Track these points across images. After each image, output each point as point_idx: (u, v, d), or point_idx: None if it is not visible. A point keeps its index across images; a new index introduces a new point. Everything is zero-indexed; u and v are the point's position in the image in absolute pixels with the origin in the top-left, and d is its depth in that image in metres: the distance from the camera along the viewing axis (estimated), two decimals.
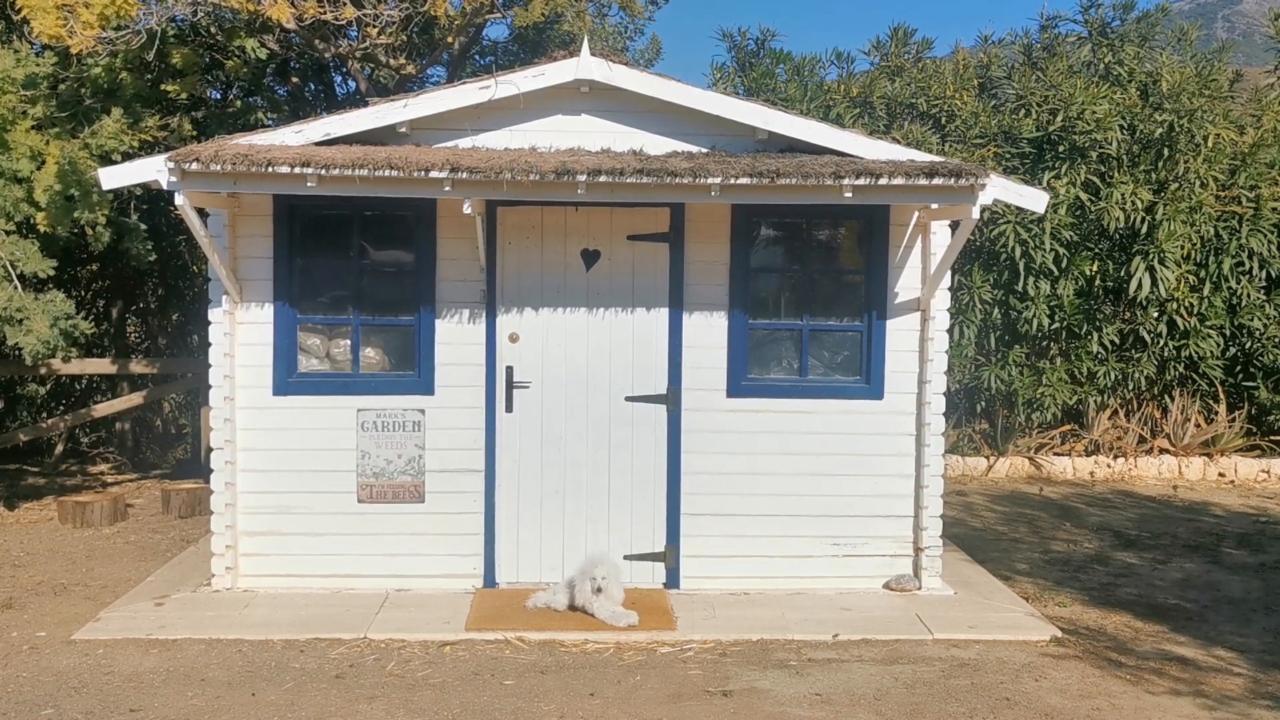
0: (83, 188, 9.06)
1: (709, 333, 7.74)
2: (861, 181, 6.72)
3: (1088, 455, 12.79)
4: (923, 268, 7.77)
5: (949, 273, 7.61)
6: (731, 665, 6.51)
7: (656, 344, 7.73)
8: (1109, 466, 12.66)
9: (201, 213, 7.12)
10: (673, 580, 7.80)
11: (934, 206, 7.49)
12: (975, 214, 6.87)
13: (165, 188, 6.77)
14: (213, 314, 7.53)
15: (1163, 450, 12.87)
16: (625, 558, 7.78)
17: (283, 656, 6.55)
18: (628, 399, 7.74)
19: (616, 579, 7.20)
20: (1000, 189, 6.99)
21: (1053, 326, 12.12)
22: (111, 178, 7.00)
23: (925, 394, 7.77)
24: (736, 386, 7.77)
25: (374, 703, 5.90)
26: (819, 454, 7.82)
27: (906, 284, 7.78)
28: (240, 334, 7.61)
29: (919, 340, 7.80)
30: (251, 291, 7.58)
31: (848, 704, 5.96)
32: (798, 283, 7.88)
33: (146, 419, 12.92)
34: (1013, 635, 7.03)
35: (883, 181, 6.74)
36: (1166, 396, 12.93)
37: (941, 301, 7.74)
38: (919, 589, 7.81)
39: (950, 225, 7.74)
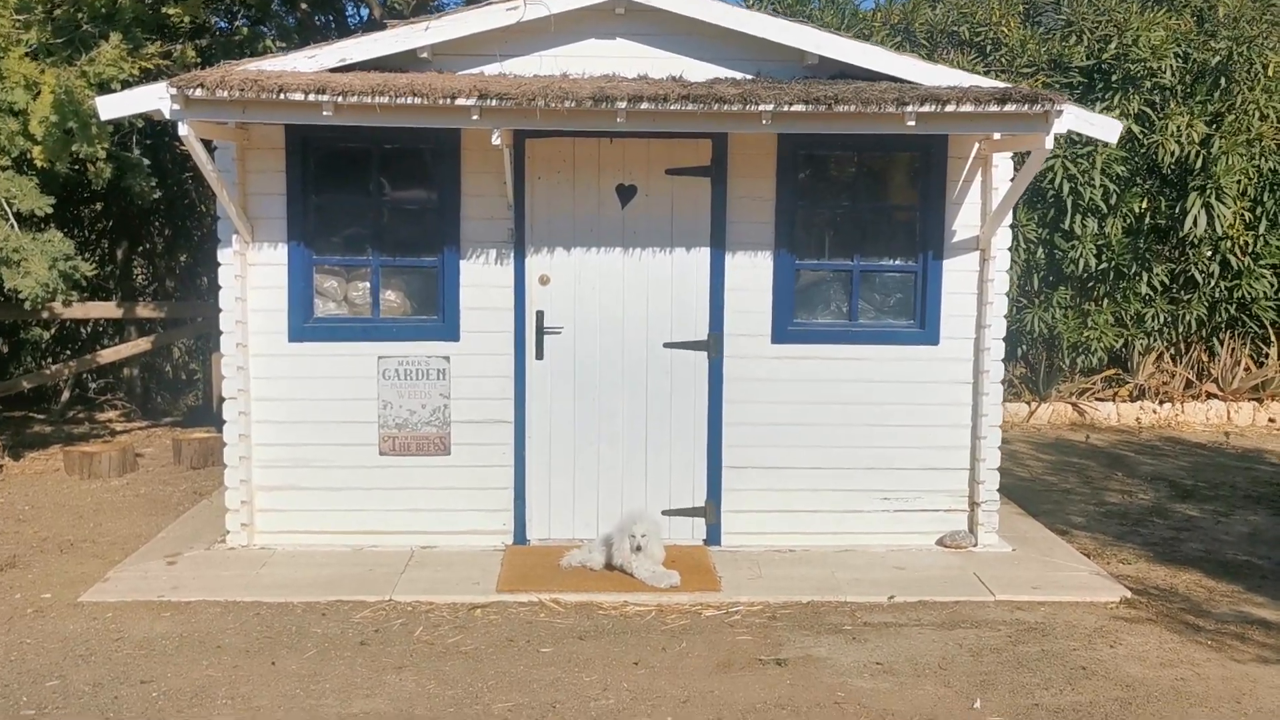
0: (81, 119, 8.52)
1: (753, 274, 7.23)
2: (927, 109, 6.16)
3: (1132, 401, 12.30)
4: (982, 204, 7.23)
5: (1011, 210, 7.06)
6: (782, 630, 6.08)
7: (697, 286, 7.22)
8: (1155, 412, 12.17)
9: (208, 145, 6.59)
10: (714, 537, 7.36)
11: (997, 137, 6.94)
12: (1048, 144, 6.32)
13: (168, 117, 6.23)
14: (222, 255, 7.04)
15: (1210, 395, 12.36)
16: (663, 513, 7.33)
17: (303, 620, 6.14)
18: (666, 345, 7.25)
19: (657, 536, 6.76)
20: (1073, 118, 6.42)
21: (1100, 267, 11.56)
22: (110, 107, 6.46)
23: (984, 339, 7.26)
24: (782, 332, 7.27)
25: (402, 673, 5.49)
26: (869, 403, 7.34)
27: (965, 221, 7.25)
28: (252, 276, 7.11)
29: (977, 281, 7.28)
30: (264, 231, 7.08)
31: (912, 674, 5.53)
32: (848, 220, 7.34)
33: (156, 365, 12.47)
34: (1080, 596, 6.58)
35: (949, 109, 6.18)
36: (1215, 339, 12.39)
37: (1003, 240, 7.21)
38: (975, 546, 7.36)
39: (1013, 158, 7.19)
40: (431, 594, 6.49)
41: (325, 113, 6.12)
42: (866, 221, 7.32)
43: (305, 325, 7.16)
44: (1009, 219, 7.17)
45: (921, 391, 7.35)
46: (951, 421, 7.37)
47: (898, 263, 7.33)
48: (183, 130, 6.25)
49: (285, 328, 7.15)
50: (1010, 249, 7.30)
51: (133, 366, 12.06)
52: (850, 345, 7.31)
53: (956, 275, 7.27)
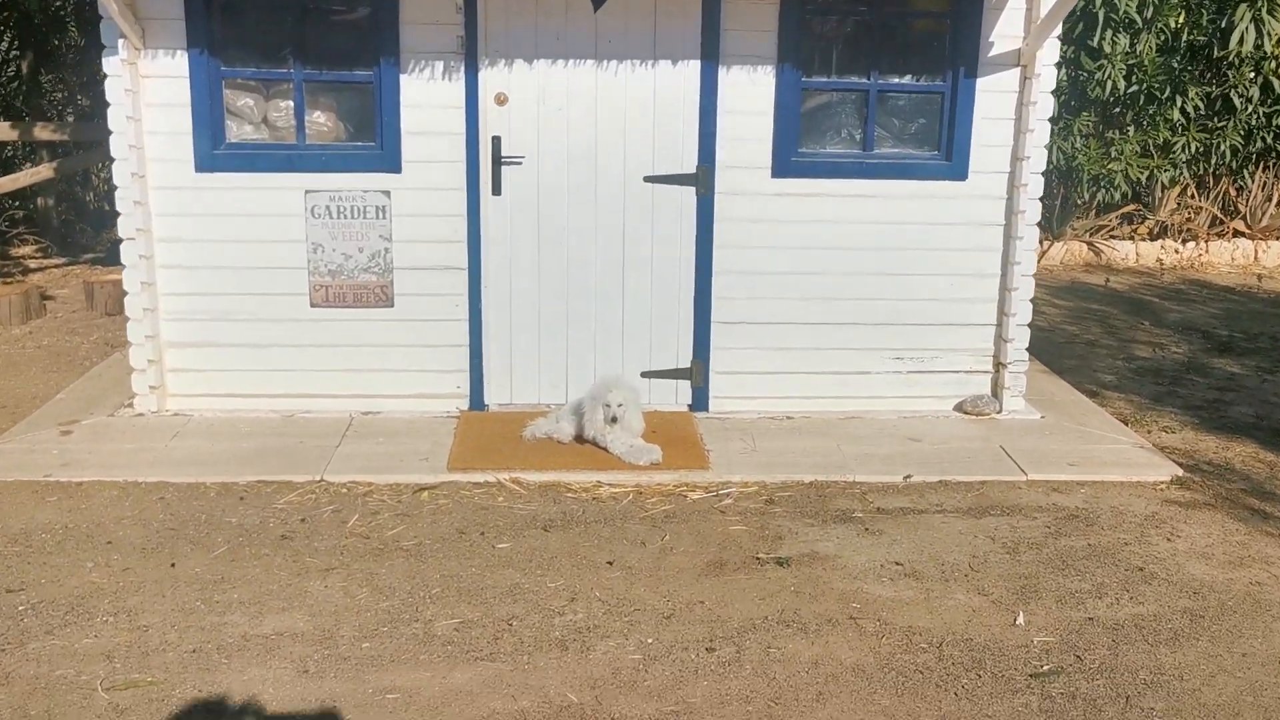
0: None
1: (751, 94, 6.05)
2: None
3: (1153, 239, 11.29)
4: (1027, 7, 6.03)
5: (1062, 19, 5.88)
6: (782, 518, 5.17)
7: (684, 109, 6.05)
8: (1177, 252, 11.17)
9: None
10: (700, 402, 6.39)
11: None
12: None
13: None
14: (108, 64, 5.79)
15: (1237, 233, 11.36)
16: (643, 375, 6.34)
17: (216, 507, 5.18)
18: (647, 179, 6.12)
19: (635, 405, 5.77)
20: None
21: (1129, 90, 10.35)
22: None
23: (1020, 173, 6.18)
24: (784, 164, 6.14)
25: (329, 577, 4.55)
26: (883, 248, 6.29)
27: (1005, 30, 6.06)
28: (147, 91, 5.89)
29: (1016, 105, 6.15)
30: (158, 34, 5.82)
31: (939, 578, 4.64)
32: (864, 29, 6.13)
33: (75, 195, 11.20)
34: (1125, 475, 5.68)
35: None
36: (1245, 172, 11.30)
37: (1049, 54, 6.06)
38: (999, 412, 6.43)
39: None
40: (370, 473, 5.53)
41: None
42: (887, 31, 6.12)
43: (215, 152, 5.98)
44: (1058, 29, 5.98)
45: (944, 235, 6.29)
46: (977, 270, 6.34)
47: (922, 82, 6.17)
48: None
49: (191, 155, 5.97)
50: (1057, 65, 6.14)
51: (47, 196, 10.79)
52: (863, 180, 6.20)
53: (992, 97, 6.12)
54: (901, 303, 6.36)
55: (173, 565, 4.63)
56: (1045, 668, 4.00)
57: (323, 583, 4.51)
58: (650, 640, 4.14)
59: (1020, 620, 4.32)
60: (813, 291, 6.31)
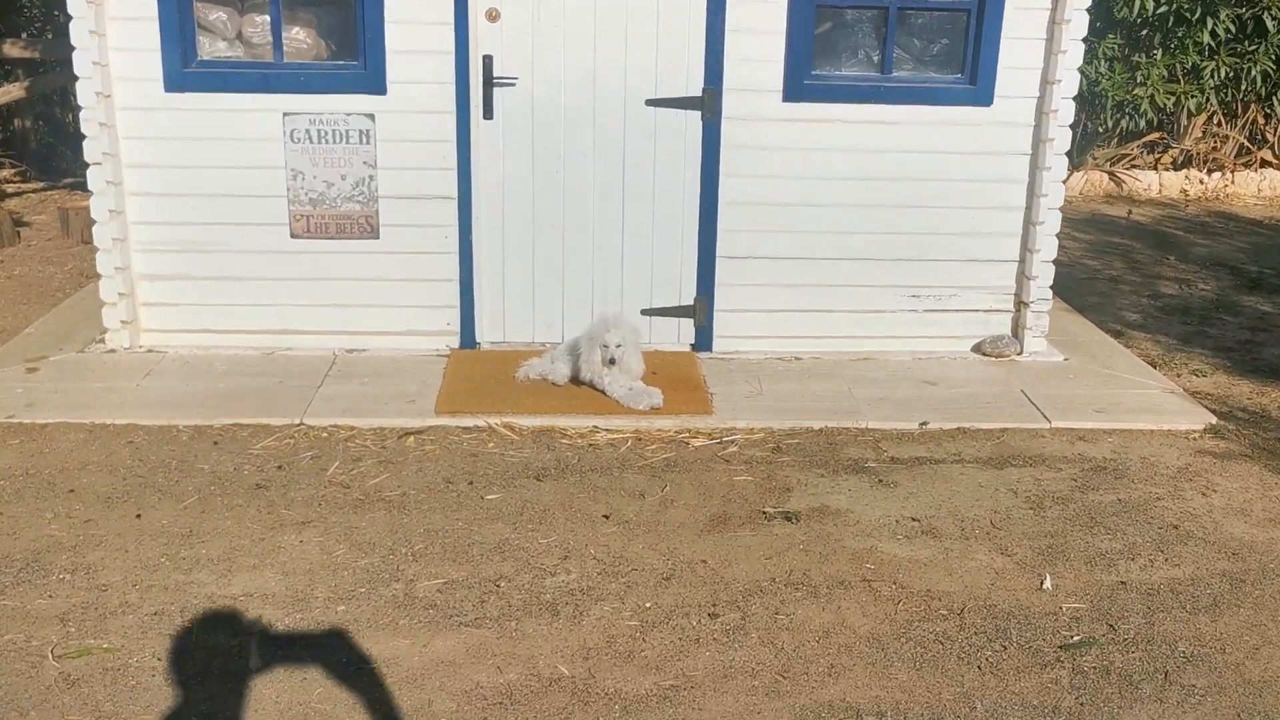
0: None
1: (762, 11, 5.62)
2: None
3: (1176, 169, 10.85)
4: None
5: None
6: (790, 468, 4.85)
7: (690, 26, 5.62)
8: (1201, 183, 10.73)
9: None
10: (704, 341, 6.04)
11: None
12: None
13: None
14: None
15: (1265, 163, 10.90)
16: (643, 312, 5.99)
17: (188, 452, 4.86)
18: (650, 102, 5.71)
19: (635, 346, 5.42)
20: None
21: (1157, 11, 9.83)
22: None
23: (1050, 98, 5.76)
24: (796, 87, 5.72)
25: (305, 531, 4.25)
26: (901, 179, 5.89)
27: None
28: (111, 3, 5.47)
29: (1048, 23, 5.72)
30: None
31: (958, 535, 4.33)
32: None
33: (55, 116, 10.74)
34: (1155, 423, 5.35)
35: None
36: (1275, 99, 10.80)
37: None
38: (1019, 354, 6.08)
39: None
40: (353, 416, 5.20)
41: None
42: None
43: (186, 71, 5.57)
44: None
45: (966, 164, 5.89)
46: (1000, 202, 5.95)
47: None
48: None
49: (160, 73, 5.56)
50: None
51: (25, 118, 10.34)
52: (881, 105, 5.78)
53: (1021, 15, 5.68)
54: (919, 237, 5.98)
55: (138, 517, 4.32)
56: (1076, 638, 3.70)
57: (298, 537, 4.20)
58: (648, 604, 3.84)
59: (1047, 584, 4.01)
60: (825, 224, 5.93)
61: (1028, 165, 5.88)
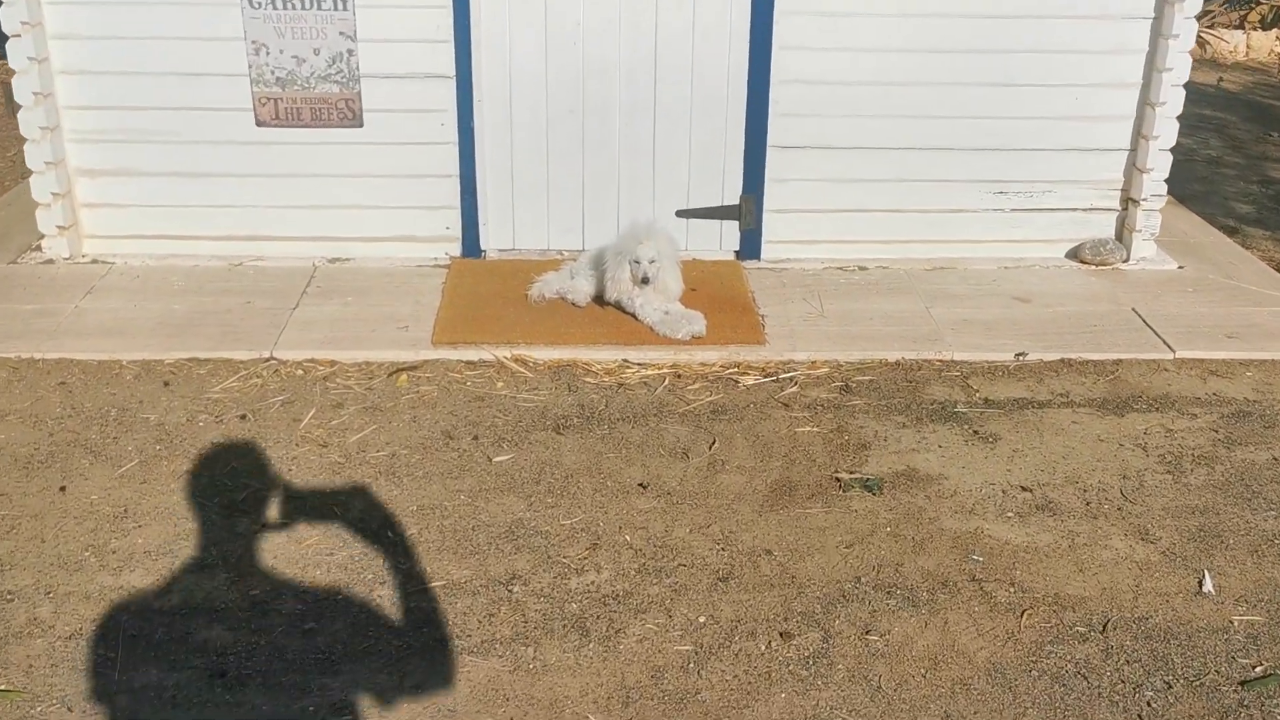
0: None
1: None
2: None
3: (1265, 28, 9.66)
4: None
5: None
6: (864, 414, 3.97)
7: None
8: None
9: None
10: (750, 247, 5.10)
11: None
12: None
13: None
14: None
15: None
16: (679, 214, 5.04)
17: (132, 396, 4.00)
18: None
19: (673, 261, 4.49)
20: None
21: None
22: None
23: None
24: None
25: (271, 509, 3.40)
26: (990, 50, 4.87)
27: None
28: None
29: None
30: None
31: (1083, 512, 3.46)
32: None
33: None
34: None
35: None
36: None
37: None
38: (1125, 261, 5.13)
39: None
40: (334, 347, 4.32)
41: None
42: None
43: None
44: None
45: (1071, 32, 4.85)
46: (1109, 78, 4.93)
47: None
48: None
49: None
50: None
51: None
52: None
53: None
54: (1010, 122, 4.97)
55: (62, 489, 3.48)
56: (1258, 670, 2.86)
57: (258, 522, 3.36)
58: (702, 618, 3.00)
59: (1208, 585, 3.16)
60: (896, 107, 4.92)
61: (1147, 30, 4.83)
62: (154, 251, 4.99)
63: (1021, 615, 3.03)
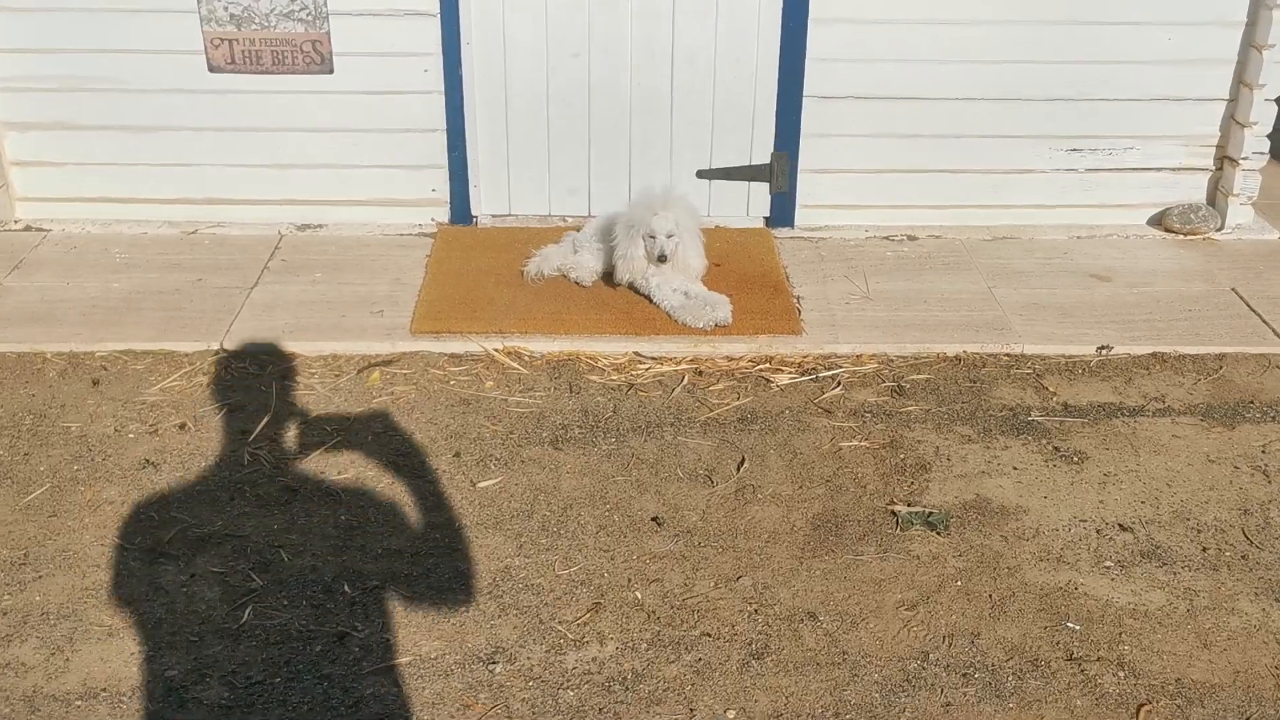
0: None
1: None
2: None
3: None
4: None
5: None
6: (920, 425, 3.33)
7: None
8: None
9: None
10: (782, 214, 4.41)
11: None
12: None
13: None
14: None
15: None
16: (700, 175, 4.35)
17: (52, 399, 3.38)
18: None
19: (694, 234, 3.81)
20: None
21: None
22: None
23: None
24: None
25: (203, 553, 2.78)
26: None
27: None
28: None
29: None
30: None
31: (1199, 562, 2.82)
32: None
33: None
34: None
35: None
36: None
37: None
38: (1219, 230, 4.43)
39: None
40: (297, 336, 3.68)
41: None
42: None
43: None
44: None
45: None
46: (1216, 15, 4.19)
47: None
48: None
49: None
50: None
51: None
52: None
53: None
54: (1086, 67, 4.25)
55: None
56: None
57: (189, 570, 2.74)
58: (731, 713, 2.38)
59: None
60: (953, 50, 4.20)
61: None
62: (96, 216, 4.35)
63: (1138, 712, 2.40)
